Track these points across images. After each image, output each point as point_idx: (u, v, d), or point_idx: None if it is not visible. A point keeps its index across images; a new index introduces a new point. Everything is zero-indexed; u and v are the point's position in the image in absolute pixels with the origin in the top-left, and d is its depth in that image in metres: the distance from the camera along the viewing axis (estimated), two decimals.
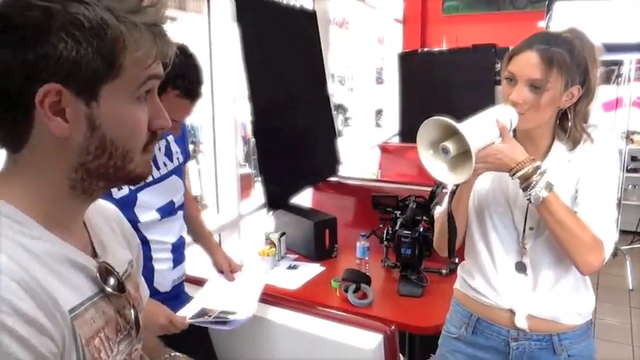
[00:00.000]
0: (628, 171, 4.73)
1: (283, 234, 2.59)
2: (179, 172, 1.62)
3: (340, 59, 7.82)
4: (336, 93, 8.67)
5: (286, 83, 2.80)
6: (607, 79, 5.70)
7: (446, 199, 1.45)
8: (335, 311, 1.59)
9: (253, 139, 2.60)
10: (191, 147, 6.30)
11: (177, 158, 1.61)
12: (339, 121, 10.04)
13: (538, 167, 1.21)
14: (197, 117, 2.88)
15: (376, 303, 2.13)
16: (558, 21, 4.02)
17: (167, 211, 1.55)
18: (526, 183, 1.21)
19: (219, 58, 2.45)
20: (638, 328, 3.43)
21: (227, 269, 1.76)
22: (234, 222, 2.56)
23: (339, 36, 5.29)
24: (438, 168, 1.22)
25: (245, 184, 2.71)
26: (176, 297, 1.59)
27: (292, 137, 2.83)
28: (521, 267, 1.36)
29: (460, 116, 1.34)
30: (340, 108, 10.77)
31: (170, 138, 1.59)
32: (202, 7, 2.39)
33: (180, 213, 1.63)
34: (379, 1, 5.15)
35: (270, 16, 2.68)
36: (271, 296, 1.64)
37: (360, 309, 2.09)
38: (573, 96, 1.25)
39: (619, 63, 5.36)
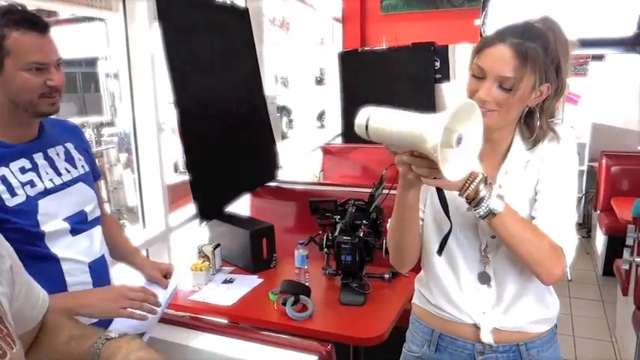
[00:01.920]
0: None
1: (218, 246, 2.43)
2: (87, 181, 1.47)
3: (282, 60, 7.71)
4: (279, 95, 8.55)
5: (217, 85, 2.65)
6: None
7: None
8: (267, 332, 1.46)
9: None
10: (125, 155, 6.10)
11: (82, 166, 1.47)
12: (283, 123, 9.91)
13: (485, 179, 1.11)
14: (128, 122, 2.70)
15: (316, 315, 2.01)
16: (494, 18, 4.03)
17: (77, 220, 1.39)
18: (476, 200, 1.10)
19: (142, 59, 2.27)
20: (578, 319, 3.49)
21: (160, 278, 1.62)
22: (162, 236, 2.38)
23: (280, 37, 5.16)
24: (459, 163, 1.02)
25: (184, 192, 2.54)
26: (106, 324, 1.42)
27: (225, 142, 2.68)
28: (484, 278, 1.27)
29: None
30: (284, 110, 10.62)
31: (69, 145, 1.46)
32: (133, 7, 2.21)
33: (97, 228, 1.48)
34: (318, 1, 5.07)
35: (196, 14, 2.52)
36: (196, 320, 1.50)
37: (299, 323, 1.97)
38: (542, 94, 1.15)
39: None
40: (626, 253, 1.57)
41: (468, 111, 1.00)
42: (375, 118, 1.07)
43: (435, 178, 1.04)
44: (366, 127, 1.08)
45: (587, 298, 3.83)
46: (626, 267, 1.58)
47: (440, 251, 1.21)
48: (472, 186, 1.08)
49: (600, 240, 4.26)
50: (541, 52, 1.10)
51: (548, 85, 1.14)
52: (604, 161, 4.38)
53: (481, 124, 1.01)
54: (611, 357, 3.08)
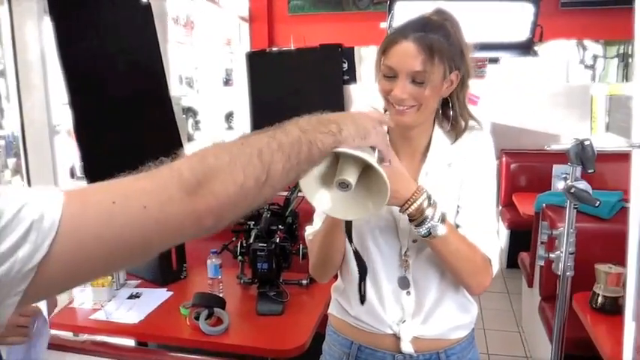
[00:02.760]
0: None
1: None
2: None
3: (188, 60, 7.46)
4: (185, 95, 8.28)
5: (117, 84, 2.45)
6: None
7: (316, 216, 1.28)
8: (178, 354, 1.33)
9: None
10: (13, 160, 5.60)
11: None
12: (189, 124, 9.59)
13: (429, 198, 1.09)
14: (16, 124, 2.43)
15: (232, 328, 1.90)
16: (400, 21, 4.09)
17: None
18: (420, 218, 1.08)
19: (31, 56, 2.05)
20: (486, 312, 3.56)
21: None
22: None
23: (185, 36, 4.96)
24: (330, 202, 0.94)
25: None
26: None
27: (127, 145, 2.48)
28: (404, 283, 1.23)
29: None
30: (190, 111, 10.30)
31: None
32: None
33: None
34: None
35: (93, 8, 2.32)
36: (98, 345, 1.35)
37: (214, 338, 1.85)
38: (452, 83, 1.16)
39: None
40: (540, 250, 1.61)
41: (378, 182, 0.88)
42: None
43: None
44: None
45: (494, 291, 3.98)
46: (541, 263, 1.62)
47: (362, 301, 1.23)
48: (415, 204, 1.07)
49: (503, 234, 4.45)
50: (444, 42, 1.11)
51: (457, 73, 1.15)
52: (504, 159, 4.59)
53: (384, 200, 0.90)
54: (519, 347, 3.21)
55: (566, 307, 1.66)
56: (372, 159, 0.87)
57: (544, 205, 2.64)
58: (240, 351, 1.83)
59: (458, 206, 1.19)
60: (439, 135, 1.23)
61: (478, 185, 1.20)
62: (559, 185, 3.78)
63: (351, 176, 0.88)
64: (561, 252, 1.58)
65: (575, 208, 1.55)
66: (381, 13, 4.45)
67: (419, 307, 1.23)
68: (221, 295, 2.06)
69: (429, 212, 1.07)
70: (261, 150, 0.70)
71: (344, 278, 1.33)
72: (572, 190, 1.48)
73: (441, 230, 1.08)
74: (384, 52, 1.14)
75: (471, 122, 1.23)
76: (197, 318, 1.90)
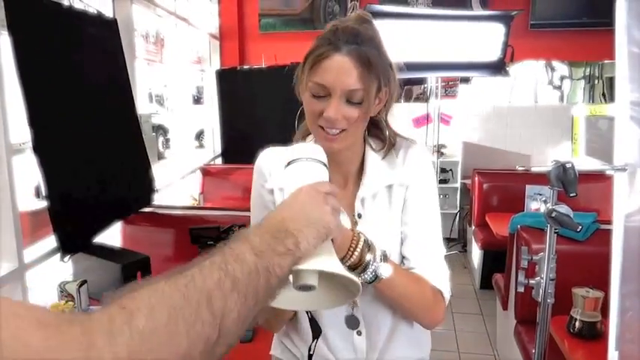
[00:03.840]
0: (440, 182, 5.00)
1: (84, 282, 2.13)
2: None
3: (157, 78, 7.36)
4: (155, 113, 8.14)
5: (80, 101, 2.35)
6: (407, 97, 6.09)
7: None
8: None
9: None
10: None
11: None
12: (159, 142, 9.43)
13: (367, 242, 0.97)
14: None
15: None
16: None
17: None
18: (362, 265, 0.96)
19: None
20: (460, 334, 3.57)
21: None
22: (14, 275, 2.04)
23: (154, 53, 4.88)
24: (290, 300, 0.83)
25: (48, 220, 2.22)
26: None
27: (91, 164, 2.39)
28: (353, 322, 1.12)
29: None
30: (160, 129, 10.14)
31: None
32: None
33: None
34: (194, 16, 4.86)
35: (55, 22, 2.23)
36: None
37: None
38: (381, 101, 1.04)
39: (422, 82, 5.74)
40: (520, 276, 1.57)
41: (346, 285, 0.81)
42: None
43: None
44: None
45: (468, 312, 3.94)
46: (521, 290, 1.57)
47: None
48: (355, 253, 0.95)
49: (476, 254, 4.44)
50: (377, 55, 0.99)
51: (386, 89, 1.03)
52: (477, 178, 4.59)
53: (355, 292, 0.81)
54: None
55: (547, 335, 1.62)
56: (337, 266, 0.77)
57: (519, 226, 2.62)
58: None
59: (401, 232, 1.10)
60: (372, 157, 1.12)
61: (422, 208, 1.10)
62: (532, 205, 3.79)
63: (311, 279, 0.76)
64: (542, 278, 1.54)
65: (556, 232, 1.52)
66: None
67: (372, 348, 1.14)
68: None
69: (369, 257, 0.96)
70: (211, 295, 0.53)
71: (288, 324, 1.19)
72: (554, 215, 1.44)
73: (386, 271, 0.98)
74: (312, 66, 0.98)
75: (402, 139, 1.14)
76: None
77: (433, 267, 1.08)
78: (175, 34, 4.82)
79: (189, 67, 5.36)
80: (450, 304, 4.05)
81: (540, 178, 4.04)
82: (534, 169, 1.53)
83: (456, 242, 5.43)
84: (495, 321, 3.48)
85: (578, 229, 1.44)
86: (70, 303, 2.06)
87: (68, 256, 2.22)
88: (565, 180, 1.44)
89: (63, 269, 2.31)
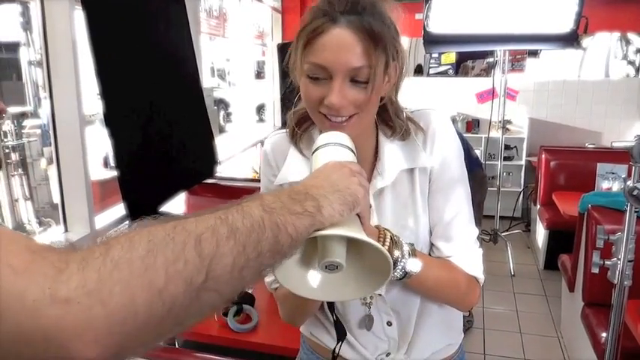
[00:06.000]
0: (504, 159, 4.85)
1: None
2: None
3: (220, 52, 7.47)
4: (217, 88, 8.28)
5: (148, 75, 2.40)
6: (464, 73, 5.89)
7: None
8: (206, 355, 1.27)
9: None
10: (49, 148, 5.67)
11: None
12: (220, 116, 9.58)
13: (392, 236, 0.90)
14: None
15: (262, 326, 1.85)
16: (437, 12, 3.98)
17: None
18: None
19: (62, 46, 2.02)
20: (523, 315, 3.49)
21: None
22: (86, 240, 2.13)
23: (217, 28, 4.94)
24: (312, 286, 0.76)
25: (116, 189, 2.31)
26: None
27: (158, 136, 2.45)
28: (369, 322, 1.07)
29: None
30: (222, 103, 10.30)
31: None
32: None
33: None
34: None
35: None
36: None
37: (242, 335, 1.79)
38: (391, 78, 0.90)
39: (485, 55, 5.54)
40: (595, 257, 1.49)
41: (373, 253, 0.71)
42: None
43: None
44: None
45: (531, 293, 3.84)
46: (596, 270, 1.50)
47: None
48: (386, 244, 0.88)
49: (541, 234, 4.30)
50: (382, 25, 0.84)
51: (396, 64, 0.89)
52: (543, 156, 4.42)
53: (386, 276, 0.72)
54: (558, 353, 3.07)
55: (622, 318, 1.55)
56: (367, 237, 0.69)
57: (590, 205, 2.50)
58: (269, 350, 1.77)
59: (429, 219, 1.02)
60: (386, 141, 0.99)
61: (449, 189, 1.00)
62: (603, 185, 3.62)
63: (339, 255, 0.69)
64: (619, 259, 1.47)
65: (636, 212, 1.44)
66: (417, 4, 4.33)
67: (403, 336, 1.09)
68: (250, 292, 2.00)
69: (397, 254, 0.89)
70: (201, 237, 0.50)
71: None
72: (635, 193, 1.36)
73: (416, 265, 0.91)
74: (306, 45, 0.85)
75: (419, 114, 1.01)
76: (225, 314, 1.85)
77: (465, 253, 1.02)
78: (238, 8, 4.84)
79: (251, 41, 5.38)
80: (512, 285, 3.99)
81: (613, 156, 3.87)
82: (616, 145, 1.44)
83: (520, 221, 5.27)
84: (560, 303, 3.37)
85: None
86: None
87: (136, 224, 2.30)
88: None
89: None
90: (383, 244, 0.86)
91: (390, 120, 0.98)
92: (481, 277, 1.04)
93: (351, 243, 0.71)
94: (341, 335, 1.05)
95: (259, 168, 1.10)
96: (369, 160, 1.00)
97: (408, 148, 0.99)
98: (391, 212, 1.00)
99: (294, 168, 1.01)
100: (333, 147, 0.83)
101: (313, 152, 0.85)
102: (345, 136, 0.86)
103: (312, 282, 0.75)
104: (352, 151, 0.84)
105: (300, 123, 1.02)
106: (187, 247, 0.49)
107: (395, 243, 0.89)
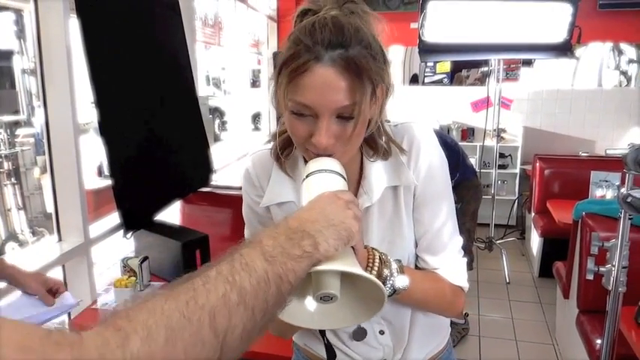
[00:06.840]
0: (499, 167, 4.87)
1: (145, 259, 2.19)
2: None
3: (215, 61, 7.47)
4: (212, 96, 8.29)
5: (144, 83, 2.41)
6: (458, 82, 5.93)
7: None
8: None
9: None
10: (43, 157, 5.65)
11: None
12: (216, 125, 9.58)
13: (380, 256, 0.90)
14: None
15: None
16: (432, 22, 4.00)
17: None
18: (380, 281, 0.85)
19: (56, 54, 2.02)
20: (518, 322, 3.48)
21: (43, 291, 1.40)
22: (80, 249, 2.13)
23: (213, 36, 4.95)
24: (306, 316, 0.78)
25: (110, 198, 2.30)
26: None
27: (153, 145, 2.45)
28: (360, 334, 1.08)
29: None
30: (217, 112, 10.30)
31: None
32: None
33: None
34: None
35: (121, 5, 2.28)
36: None
37: None
38: (378, 99, 0.87)
39: (480, 64, 5.58)
40: (590, 263, 1.50)
41: (366, 299, 0.74)
42: None
43: None
44: None
45: (526, 300, 3.84)
46: (590, 277, 1.51)
47: None
48: (373, 272, 0.88)
49: (535, 242, 4.31)
50: (367, 54, 0.81)
51: (382, 86, 0.86)
52: (538, 164, 4.44)
53: (380, 305, 0.74)
54: None
55: (617, 325, 1.55)
56: (362, 271, 0.71)
57: (584, 213, 2.51)
58: (263, 358, 1.76)
59: (414, 233, 1.03)
60: (368, 160, 0.99)
61: (432, 202, 1.01)
62: (597, 192, 3.63)
63: (334, 287, 0.70)
64: (613, 265, 1.47)
65: (630, 219, 1.45)
66: (412, 14, 4.36)
67: (399, 343, 1.11)
68: None
69: (386, 272, 0.89)
70: (215, 312, 0.50)
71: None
72: (629, 200, 1.37)
73: (404, 282, 0.91)
74: (289, 82, 0.81)
75: (400, 129, 1.00)
76: None
77: (450, 264, 1.04)
78: (234, 17, 4.86)
79: (246, 50, 5.40)
80: (507, 292, 3.99)
81: (606, 164, 3.89)
82: (610, 152, 1.45)
83: (514, 229, 5.28)
84: (555, 310, 3.38)
85: None
86: (133, 278, 2.13)
87: (130, 233, 2.30)
88: None
89: (125, 246, 2.39)
90: (372, 265, 0.87)
91: (373, 141, 0.96)
92: (466, 285, 1.06)
93: (345, 273, 0.72)
94: (331, 357, 1.06)
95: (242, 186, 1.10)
96: (354, 179, 1.00)
97: (392, 166, 0.99)
98: (377, 229, 1.01)
99: (280, 189, 1.01)
100: (325, 174, 0.83)
101: (304, 179, 0.86)
102: (335, 162, 0.86)
103: (307, 312, 0.76)
104: (343, 177, 0.85)
105: (284, 147, 1.00)
106: (203, 327, 0.49)
107: (383, 262, 0.90)
